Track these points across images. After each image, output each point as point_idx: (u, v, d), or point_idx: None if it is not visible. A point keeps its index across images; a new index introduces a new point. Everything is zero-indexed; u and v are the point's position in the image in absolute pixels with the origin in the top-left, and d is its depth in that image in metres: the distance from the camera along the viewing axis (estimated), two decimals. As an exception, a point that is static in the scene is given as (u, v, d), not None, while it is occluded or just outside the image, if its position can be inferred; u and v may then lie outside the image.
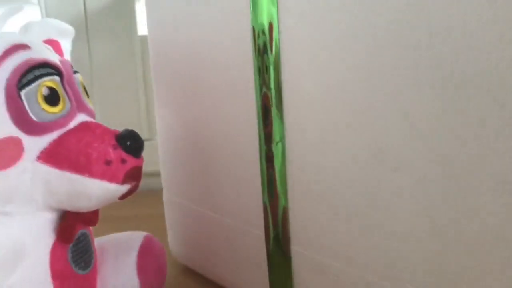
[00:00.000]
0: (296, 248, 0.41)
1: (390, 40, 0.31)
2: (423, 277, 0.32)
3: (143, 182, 0.41)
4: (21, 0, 0.74)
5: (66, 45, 0.45)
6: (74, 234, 0.38)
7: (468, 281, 0.29)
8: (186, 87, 0.49)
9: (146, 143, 0.42)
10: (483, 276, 0.28)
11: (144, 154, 0.40)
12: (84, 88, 0.40)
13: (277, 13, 0.39)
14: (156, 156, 0.54)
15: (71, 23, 0.71)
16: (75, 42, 0.68)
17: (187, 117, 0.50)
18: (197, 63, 0.47)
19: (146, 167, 0.41)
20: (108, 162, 0.35)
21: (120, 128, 0.40)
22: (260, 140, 0.41)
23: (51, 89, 0.36)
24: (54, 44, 0.43)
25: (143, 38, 0.77)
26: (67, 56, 0.45)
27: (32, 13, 0.77)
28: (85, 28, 0.76)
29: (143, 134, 0.75)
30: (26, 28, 0.43)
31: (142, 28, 0.78)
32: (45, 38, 0.43)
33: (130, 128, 0.42)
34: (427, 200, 0.31)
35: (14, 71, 0.34)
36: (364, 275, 0.36)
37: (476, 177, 0.28)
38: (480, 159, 0.27)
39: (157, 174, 0.54)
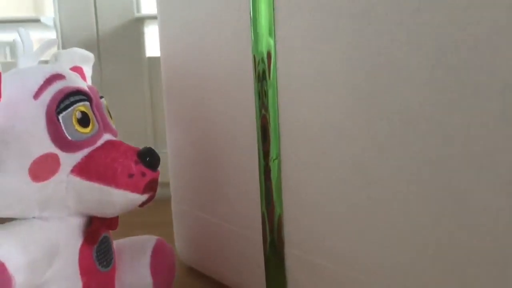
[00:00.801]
0: (289, 251, 0.42)
1: (367, 75, 0.33)
2: (395, 273, 0.34)
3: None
4: (38, 25, 0.75)
5: (88, 71, 0.47)
6: (98, 237, 0.40)
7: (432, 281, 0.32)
8: (194, 106, 0.50)
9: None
10: (454, 276, 0.31)
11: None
12: (108, 110, 0.42)
13: (274, 43, 0.40)
14: (163, 167, 0.54)
15: (84, 45, 0.72)
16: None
17: (195, 133, 0.50)
18: (204, 86, 0.48)
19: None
20: (131, 175, 0.37)
21: (129, 142, 0.41)
22: (259, 156, 0.42)
23: (83, 113, 0.38)
24: (78, 70, 0.45)
25: (151, 60, 0.78)
26: (89, 79, 0.46)
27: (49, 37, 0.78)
28: (97, 50, 0.76)
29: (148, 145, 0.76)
30: (56, 57, 0.44)
31: (150, 50, 0.79)
32: (72, 65, 0.44)
33: (136, 139, 0.44)
34: (393, 209, 0.33)
35: (53, 98, 0.36)
36: (348, 273, 0.37)
37: (429, 193, 0.30)
38: (435, 177, 0.30)
39: (165, 184, 0.54)
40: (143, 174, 0.38)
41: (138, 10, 0.76)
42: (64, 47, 0.75)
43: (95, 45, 0.76)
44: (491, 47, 0.27)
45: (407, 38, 0.30)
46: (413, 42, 0.30)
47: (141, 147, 0.41)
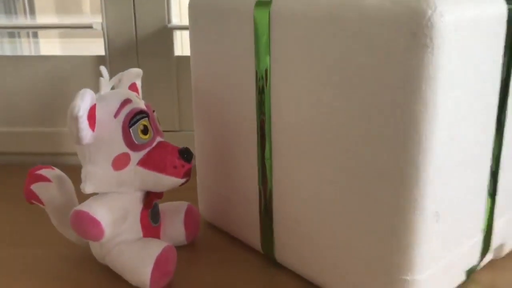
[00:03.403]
0: (276, 214, 0.48)
1: (335, 96, 0.38)
2: (340, 235, 0.42)
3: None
4: (87, 29, 0.80)
5: (139, 84, 0.56)
6: (152, 203, 0.50)
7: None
8: (214, 108, 0.53)
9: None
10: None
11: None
12: (158, 119, 0.51)
13: (270, 62, 0.43)
14: (189, 145, 0.51)
15: (125, 47, 0.79)
16: (128, 60, 0.76)
17: (214, 129, 0.54)
18: (222, 93, 0.51)
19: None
20: (175, 166, 0.47)
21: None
22: (258, 149, 0.47)
23: (144, 125, 0.47)
24: (133, 86, 0.54)
25: (178, 58, 0.82)
26: (140, 89, 0.55)
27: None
28: (135, 51, 0.81)
29: (175, 127, 0.83)
30: (119, 78, 0.53)
31: (178, 50, 0.82)
32: (130, 82, 0.53)
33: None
34: (342, 198, 0.41)
35: (126, 117, 0.46)
36: (311, 233, 0.44)
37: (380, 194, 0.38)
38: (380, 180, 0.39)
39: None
40: (183, 166, 0.48)
41: (169, 21, 0.80)
42: (109, 48, 0.81)
43: (134, 47, 0.80)
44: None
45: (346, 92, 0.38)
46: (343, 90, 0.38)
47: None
